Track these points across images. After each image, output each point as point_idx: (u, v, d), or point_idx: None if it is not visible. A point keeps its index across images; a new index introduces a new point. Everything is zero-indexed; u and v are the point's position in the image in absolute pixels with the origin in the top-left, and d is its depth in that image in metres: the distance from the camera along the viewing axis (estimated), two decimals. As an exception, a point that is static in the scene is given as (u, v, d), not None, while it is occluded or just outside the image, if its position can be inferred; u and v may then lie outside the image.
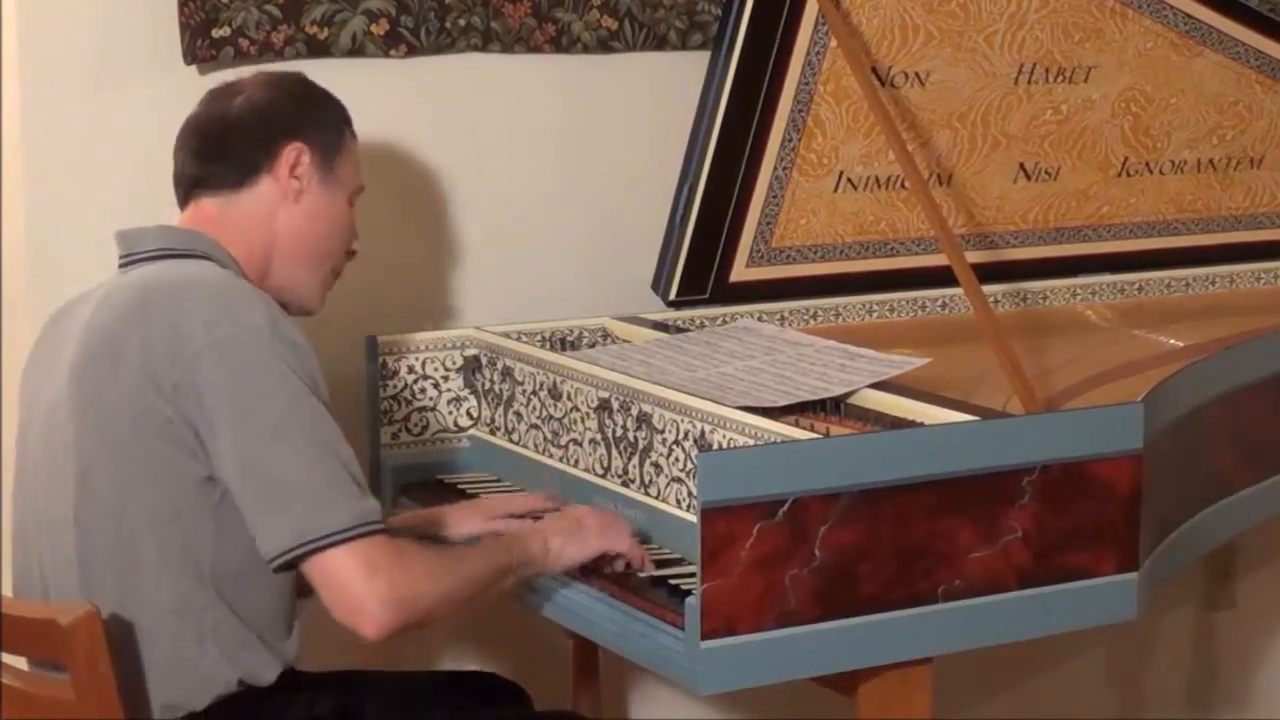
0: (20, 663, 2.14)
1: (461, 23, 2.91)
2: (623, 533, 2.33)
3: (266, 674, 2.17)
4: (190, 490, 2.11)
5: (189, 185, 2.32)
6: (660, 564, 2.33)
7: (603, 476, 2.51)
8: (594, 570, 2.32)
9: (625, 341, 2.84)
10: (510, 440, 2.71)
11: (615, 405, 2.48)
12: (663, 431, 2.40)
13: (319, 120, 2.35)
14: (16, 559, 2.29)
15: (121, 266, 2.28)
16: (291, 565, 2.10)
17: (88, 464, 2.15)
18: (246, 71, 2.46)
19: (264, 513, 2.09)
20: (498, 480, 2.72)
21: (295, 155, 2.31)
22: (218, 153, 2.30)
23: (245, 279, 2.26)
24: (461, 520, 2.49)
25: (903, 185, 3.00)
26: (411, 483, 2.72)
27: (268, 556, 2.10)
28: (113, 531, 2.13)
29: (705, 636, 2.09)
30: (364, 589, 2.07)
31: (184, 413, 2.09)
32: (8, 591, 2.31)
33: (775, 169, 2.91)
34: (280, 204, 2.31)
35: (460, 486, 2.69)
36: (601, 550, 2.31)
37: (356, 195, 2.41)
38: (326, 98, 2.40)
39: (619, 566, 2.31)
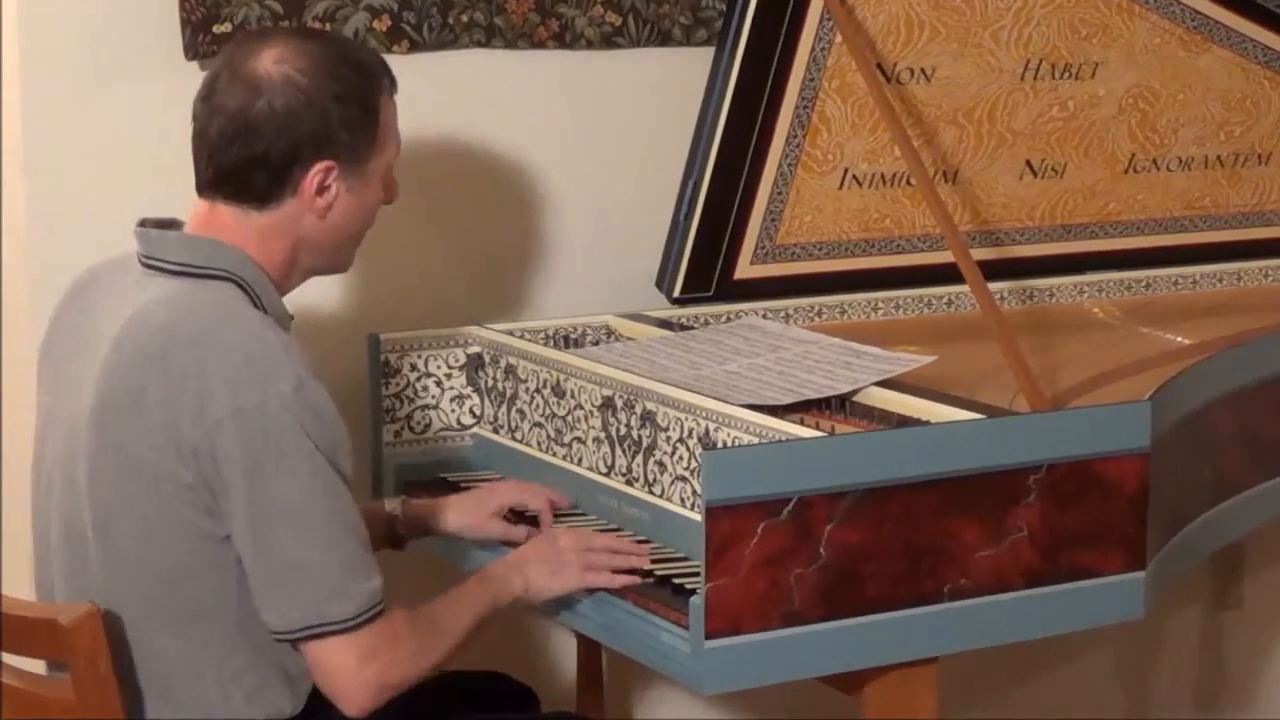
0: (22, 663, 2.13)
1: (464, 18, 2.90)
2: (599, 571, 2.30)
3: (288, 709, 2.17)
4: (212, 547, 2.09)
5: (209, 179, 2.19)
6: (664, 563, 2.32)
7: (606, 475, 2.50)
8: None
9: (629, 339, 2.83)
10: (513, 438, 2.71)
11: (619, 403, 2.47)
12: (667, 430, 2.39)
13: (351, 124, 2.18)
14: (37, 571, 2.27)
15: (144, 265, 2.20)
16: (292, 643, 2.11)
17: (106, 514, 2.11)
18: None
19: (272, 591, 2.07)
20: (500, 479, 2.70)
21: (323, 176, 2.17)
22: (237, 159, 2.16)
23: (270, 285, 2.19)
24: (460, 515, 2.49)
25: (908, 182, 3.00)
26: (414, 481, 2.72)
27: (271, 629, 2.09)
28: (133, 581, 2.11)
29: (710, 636, 2.08)
30: (353, 679, 2.09)
31: (204, 477, 2.06)
32: (16, 593, 2.30)
33: (780, 166, 2.90)
34: (303, 216, 2.20)
35: (463, 485, 2.68)
36: (580, 588, 2.30)
37: (394, 159, 2.28)
38: (357, 78, 2.20)
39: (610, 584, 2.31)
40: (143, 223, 2.22)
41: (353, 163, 2.20)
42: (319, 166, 2.17)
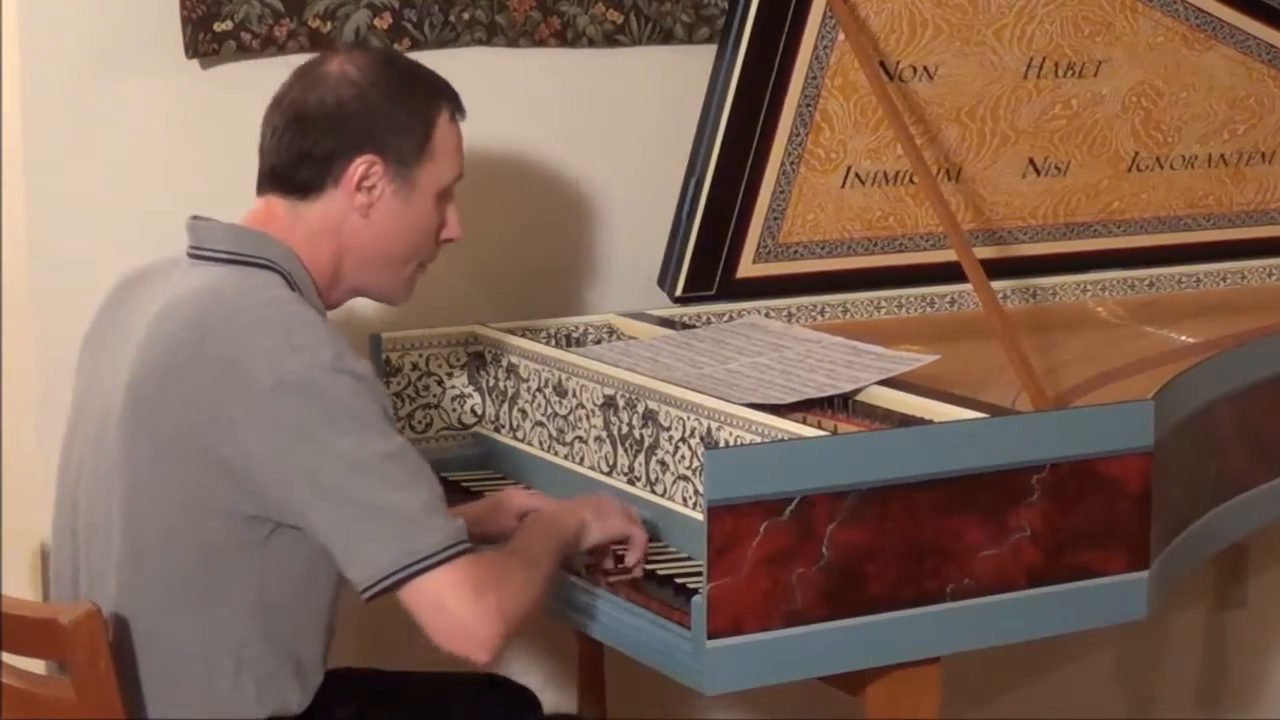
0: (21, 663, 2.13)
1: (466, 16, 2.90)
2: (637, 521, 2.32)
3: (294, 706, 2.15)
4: (239, 525, 2.08)
5: (265, 173, 2.23)
6: (665, 561, 2.32)
7: (608, 474, 2.50)
8: (594, 565, 2.31)
9: (631, 338, 2.83)
10: (515, 437, 2.70)
11: (621, 402, 2.47)
12: (669, 429, 2.39)
13: (399, 125, 2.21)
14: (55, 554, 2.26)
15: (191, 257, 2.21)
16: (387, 591, 2.05)
17: (134, 488, 2.11)
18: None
19: (356, 543, 2.04)
20: (502, 478, 2.70)
21: (365, 169, 2.19)
22: (287, 149, 2.20)
23: (313, 287, 2.20)
24: (486, 518, 2.44)
25: (911, 180, 2.99)
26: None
27: (362, 586, 2.05)
28: (157, 559, 2.10)
29: (712, 636, 2.08)
30: (472, 610, 2.03)
31: (245, 450, 2.04)
32: (16, 593, 2.30)
33: (782, 164, 2.90)
34: (348, 215, 2.21)
35: (465, 484, 2.68)
36: (624, 533, 2.30)
37: (454, 184, 2.30)
38: (413, 91, 2.24)
39: (630, 560, 2.30)
40: (194, 218, 2.24)
41: (398, 165, 2.21)
42: (361, 159, 2.19)
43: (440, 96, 2.27)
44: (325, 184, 2.20)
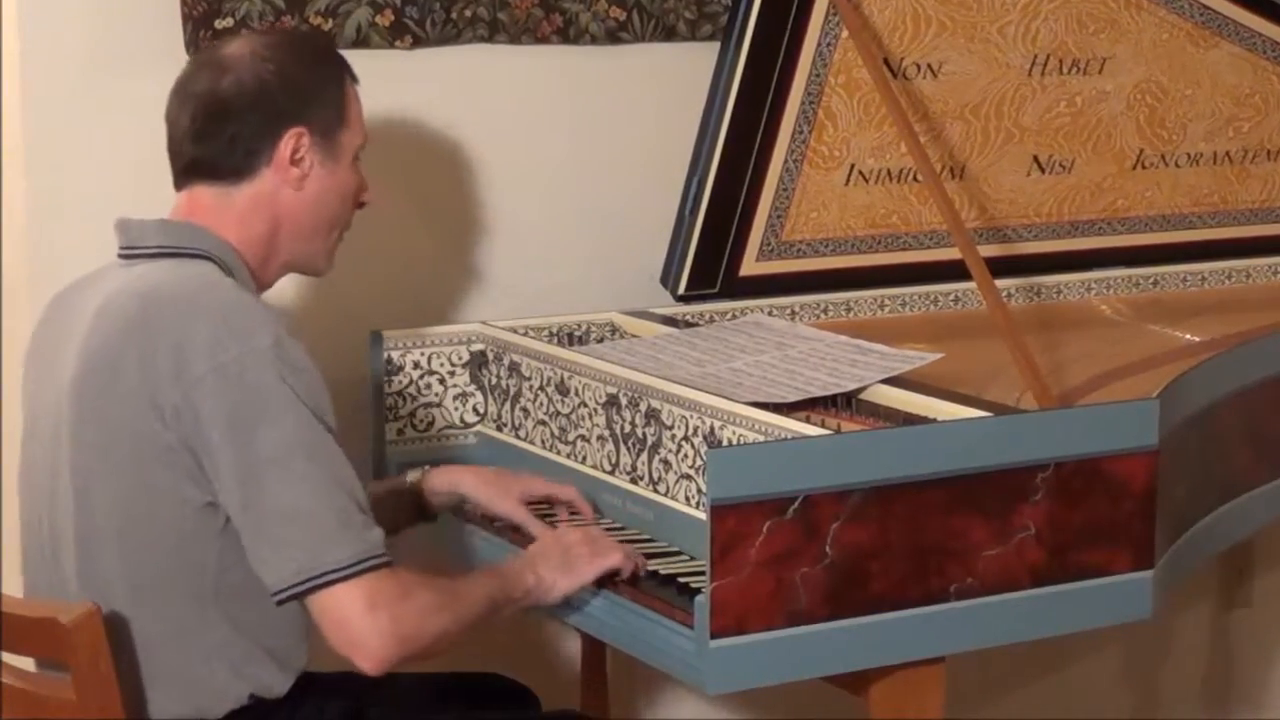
0: (20, 663, 2.12)
1: (468, 13, 2.89)
2: (611, 552, 2.29)
3: (278, 687, 2.15)
4: (191, 515, 2.08)
5: (184, 166, 2.26)
6: (668, 561, 2.31)
7: (610, 473, 2.49)
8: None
9: (634, 336, 2.82)
10: (517, 436, 2.70)
11: (623, 401, 2.46)
12: (671, 428, 2.38)
13: (318, 96, 2.26)
14: (26, 558, 2.27)
15: (121, 257, 2.24)
16: (293, 599, 2.06)
17: (86, 483, 2.11)
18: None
19: (265, 546, 2.05)
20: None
21: (295, 142, 2.23)
22: (211, 137, 2.22)
23: (247, 272, 2.22)
24: (486, 484, 2.48)
25: (915, 178, 2.99)
26: (417, 479, 2.70)
27: (271, 591, 2.07)
28: (113, 553, 2.10)
29: (715, 635, 2.07)
30: (364, 624, 2.04)
31: (184, 438, 2.05)
32: (14, 588, 2.29)
33: (785, 162, 2.89)
34: (280, 189, 2.24)
35: (467, 483, 2.67)
36: (593, 578, 2.28)
37: (361, 150, 2.33)
38: (322, 62, 2.30)
39: (624, 574, 2.29)
40: (122, 220, 2.26)
41: (324, 135, 2.26)
42: (291, 132, 2.23)
43: (342, 64, 2.33)
44: (258, 164, 2.22)
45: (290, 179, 2.24)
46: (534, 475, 2.55)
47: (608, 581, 2.29)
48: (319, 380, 2.10)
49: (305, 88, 2.25)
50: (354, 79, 2.33)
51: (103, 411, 2.09)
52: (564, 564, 2.28)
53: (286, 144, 2.23)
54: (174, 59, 2.70)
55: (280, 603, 2.07)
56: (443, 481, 2.53)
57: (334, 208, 2.29)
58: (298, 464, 2.04)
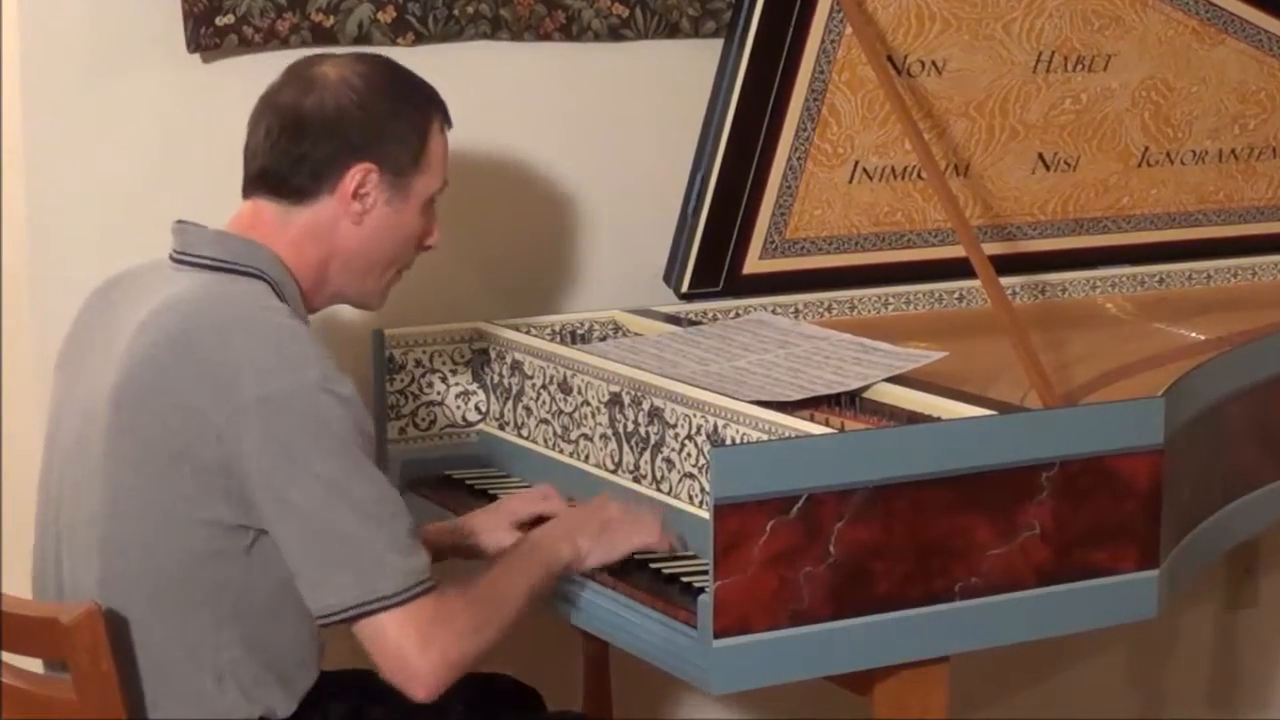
0: (20, 662, 2.12)
1: (470, 10, 2.89)
2: (651, 527, 2.30)
3: (284, 709, 2.15)
4: (221, 534, 2.07)
5: (253, 175, 2.22)
6: (671, 560, 2.31)
7: (614, 472, 2.49)
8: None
9: (636, 335, 2.82)
10: (519, 435, 2.69)
11: (626, 399, 2.46)
12: (675, 426, 2.37)
13: (396, 134, 2.22)
14: (36, 559, 2.26)
15: (174, 262, 2.21)
16: (341, 624, 2.07)
17: (117, 493, 2.10)
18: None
19: (317, 570, 2.05)
20: (506, 476, 2.70)
21: (362, 176, 2.19)
22: (282, 153, 2.19)
23: (299, 295, 2.20)
24: (494, 532, 2.44)
25: (919, 176, 2.99)
26: (419, 478, 2.70)
27: (317, 614, 2.07)
28: (138, 566, 2.10)
29: (718, 635, 2.07)
30: (419, 660, 2.06)
31: (225, 460, 2.04)
32: (14, 588, 2.29)
33: (789, 159, 2.89)
34: (340, 221, 2.21)
35: (468, 482, 2.67)
36: (630, 553, 2.29)
37: (438, 194, 2.30)
38: (410, 101, 2.25)
39: (660, 551, 2.29)
40: (180, 222, 2.23)
41: (394, 174, 2.22)
42: (359, 167, 2.20)
43: (433, 107, 2.29)
44: (320, 190, 2.20)
45: (350, 212, 2.21)
46: (522, 496, 2.51)
47: (613, 578, 2.28)
48: (363, 410, 2.10)
49: (384, 124, 2.21)
50: (447, 123, 2.29)
51: (141, 424, 2.08)
52: (602, 534, 2.28)
53: (353, 177, 2.20)
54: (175, 57, 2.71)
55: (325, 626, 2.08)
56: (441, 547, 2.44)
57: (391, 248, 2.27)
58: (349, 493, 2.04)
